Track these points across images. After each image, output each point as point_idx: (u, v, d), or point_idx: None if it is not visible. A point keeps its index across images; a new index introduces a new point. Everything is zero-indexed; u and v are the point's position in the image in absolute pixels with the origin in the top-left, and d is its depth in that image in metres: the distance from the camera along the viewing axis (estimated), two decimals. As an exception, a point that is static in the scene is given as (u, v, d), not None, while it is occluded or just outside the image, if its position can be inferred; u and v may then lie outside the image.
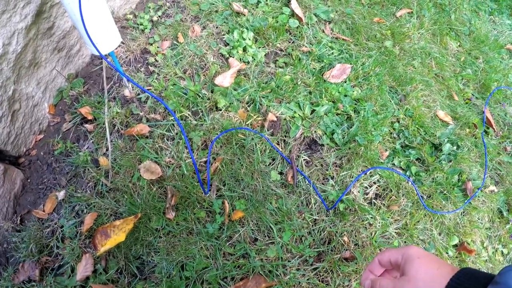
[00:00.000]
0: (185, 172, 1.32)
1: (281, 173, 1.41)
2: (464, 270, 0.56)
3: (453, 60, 2.22)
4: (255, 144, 1.40)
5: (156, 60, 1.62)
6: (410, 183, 1.55)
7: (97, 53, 1.12)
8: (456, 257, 1.51)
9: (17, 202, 1.52)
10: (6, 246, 1.44)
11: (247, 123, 1.45)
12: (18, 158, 1.58)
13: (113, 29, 1.17)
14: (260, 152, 1.40)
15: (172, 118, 1.42)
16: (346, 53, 1.80)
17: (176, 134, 1.42)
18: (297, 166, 1.42)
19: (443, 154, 1.71)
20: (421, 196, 1.54)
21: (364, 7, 2.10)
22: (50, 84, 1.63)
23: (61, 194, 1.43)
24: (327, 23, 1.90)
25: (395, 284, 0.63)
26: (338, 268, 1.32)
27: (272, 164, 1.43)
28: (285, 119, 1.50)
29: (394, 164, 1.61)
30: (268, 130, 1.46)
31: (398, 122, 1.72)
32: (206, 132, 1.40)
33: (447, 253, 1.50)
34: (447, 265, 0.60)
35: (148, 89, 1.52)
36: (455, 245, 1.53)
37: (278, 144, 1.45)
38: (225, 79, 1.51)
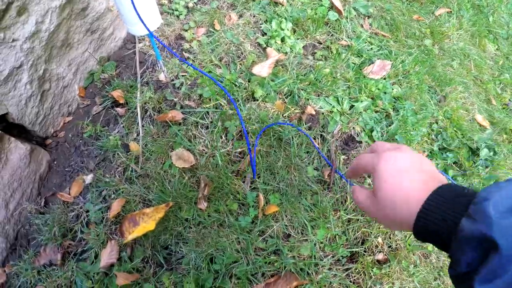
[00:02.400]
0: (219, 162, 1.27)
1: (316, 169, 1.36)
2: (438, 192, 0.47)
3: (491, 64, 2.14)
4: (292, 137, 1.35)
5: (191, 47, 1.58)
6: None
7: (139, 33, 1.08)
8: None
9: (42, 183, 1.49)
10: (28, 228, 1.42)
11: (284, 115, 1.40)
12: (45, 139, 1.55)
13: (155, 9, 1.12)
14: (297, 145, 1.35)
15: (207, 105, 1.37)
16: (386, 49, 1.74)
17: (211, 122, 1.38)
18: (333, 163, 1.37)
19: (480, 159, 1.64)
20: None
21: (403, 4, 2.04)
22: (81, 66, 1.59)
23: (88, 178, 1.39)
24: (366, 17, 1.84)
25: (364, 198, 0.56)
26: (371, 270, 1.26)
27: (308, 159, 1.37)
28: (323, 113, 1.44)
29: (431, 167, 1.54)
30: (305, 124, 1.40)
31: (437, 123, 1.65)
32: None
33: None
34: (423, 182, 0.50)
35: (182, 75, 1.47)
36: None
37: (315, 139, 1.39)
38: (263, 69, 1.46)
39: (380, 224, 0.54)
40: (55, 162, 1.51)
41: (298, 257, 1.22)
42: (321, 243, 1.26)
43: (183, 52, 1.57)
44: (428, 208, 0.46)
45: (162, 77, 1.46)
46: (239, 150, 1.32)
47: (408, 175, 0.51)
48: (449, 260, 0.45)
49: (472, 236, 0.41)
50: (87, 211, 1.35)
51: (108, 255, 1.27)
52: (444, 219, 0.45)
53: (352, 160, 1.41)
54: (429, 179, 0.50)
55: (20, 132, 1.48)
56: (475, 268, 0.41)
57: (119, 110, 1.46)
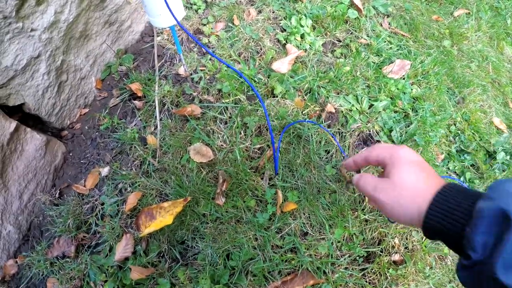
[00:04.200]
0: (238, 157, 1.26)
1: (334, 167, 1.34)
2: (451, 185, 0.51)
3: (508, 67, 2.12)
4: (311, 135, 1.33)
5: (209, 41, 1.57)
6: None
7: (162, 25, 1.07)
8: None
9: (57, 175, 1.49)
10: (41, 219, 1.41)
11: (303, 113, 1.39)
12: (61, 130, 1.55)
13: (179, 0, 1.11)
14: (316, 143, 1.33)
15: (226, 101, 1.36)
16: (405, 49, 1.72)
17: (230, 117, 1.36)
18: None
19: (497, 163, 1.62)
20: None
21: (422, 4, 2.01)
22: (99, 58, 1.59)
23: (105, 171, 1.39)
24: (385, 16, 1.82)
25: (377, 184, 0.58)
26: (387, 270, 1.25)
27: (327, 157, 1.35)
28: (342, 111, 1.42)
29: (449, 169, 1.53)
30: (324, 122, 1.39)
31: (455, 125, 1.63)
32: (262, 118, 1.34)
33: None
34: (435, 177, 0.55)
35: (201, 70, 1.46)
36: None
37: (332, 137, 1.38)
38: (282, 65, 1.44)
39: (385, 212, 0.54)
40: (70, 154, 1.50)
41: (315, 255, 1.21)
42: (339, 242, 1.24)
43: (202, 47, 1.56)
44: (445, 194, 0.50)
45: (181, 70, 1.45)
46: (258, 146, 1.31)
47: (424, 165, 0.57)
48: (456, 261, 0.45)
49: (490, 213, 0.42)
50: (102, 204, 1.34)
51: (123, 249, 1.26)
52: (458, 205, 0.47)
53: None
54: (436, 174, 0.56)
55: (36, 123, 1.48)
56: (490, 253, 0.40)
57: (137, 103, 1.45)
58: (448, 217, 0.47)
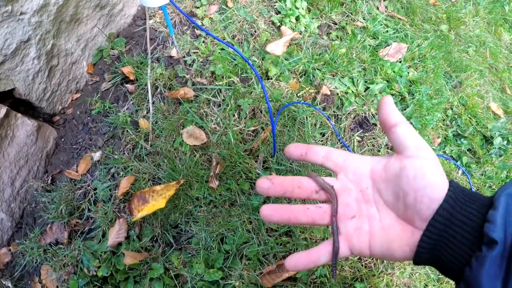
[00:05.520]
0: (232, 140, 1.24)
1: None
2: (455, 183, 0.46)
3: (506, 53, 2.10)
4: (306, 117, 1.31)
5: (202, 24, 1.54)
6: (462, 172, 1.46)
7: (153, 4, 1.04)
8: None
9: (49, 161, 1.47)
10: (34, 206, 1.40)
11: (298, 95, 1.36)
12: (53, 116, 1.53)
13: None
14: (311, 126, 1.31)
15: (219, 83, 1.34)
16: (402, 32, 1.70)
17: (223, 100, 1.34)
18: (349, 146, 1.33)
19: (493, 148, 1.61)
20: (472, 186, 1.45)
21: (419, -12, 1.99)
22: (90, 42, 1.56)
23: (97, 155, 1.36)
24: (382, 0, 1.80)
25: (390, 162, 0.49)
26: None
27: (322, 140, 1.34)
28: (337, 94, 1.40)
29: (445, 153, 1.51)
30: (320, 104, 1.36)
31: (452, 109, 1.62)
32: (255, 101, 1.31)
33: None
34: None
35: (194, 52, 1.44)
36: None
37: (328, 119, 1.36)
38: (277, 47, 1.42)
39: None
40: (62, 140, 1.48)
41: (310, 239, 1.19)
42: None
43: (195, 30, 1.53)
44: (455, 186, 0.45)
45: (174, 52, 1.42)
46: (252, 128, 1.29)
47: None
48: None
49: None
50: (95, 189, 1.32)
51: (116, 234, 1.24)
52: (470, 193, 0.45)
53: (367, 142, 1.38)
54: None
55: (27, 109, 1.45)
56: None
57: (129, 86, 1.43)
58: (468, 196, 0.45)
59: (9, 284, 1.27)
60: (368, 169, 0.52)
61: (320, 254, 0.50)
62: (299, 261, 0.50)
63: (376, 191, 0.50)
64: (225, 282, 1.14)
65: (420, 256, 0.44)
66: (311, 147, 0.55)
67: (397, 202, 0.47)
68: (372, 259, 1.22)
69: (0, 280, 1.27)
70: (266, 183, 0.52)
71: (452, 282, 1.30)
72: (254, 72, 1.35)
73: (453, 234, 0.42)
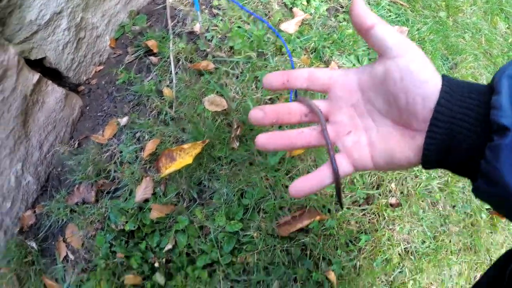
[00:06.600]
0: (251, 105, 1.36)
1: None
2: (447, 77, 0.43)
3: (501, 40, 2.23)
4: (317, 88, 1.44)
5: (219, 4, 1.65)
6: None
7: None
8: (488, 220, 1.55)
9: (74, 128, 1.56)
10: (60, 170, 1.47)
11: (310, 68, 1.49)
12: (78, 85, 1.62)
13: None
14: (320, 97, 1.44)
15: (238, 57, 1.46)
16: (403, 16, 1.83)
17: (241, 72, 1.46)
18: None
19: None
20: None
21: (419, -24, 2.12)
22: (113, 18, 1.66)
23: (123, 120, 1.47)
24: (385, -13, 1.93)
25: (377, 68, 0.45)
26: (385, 211, 1.37)
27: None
28: (345, 69, 1.53)
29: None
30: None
31: (448, 88, 1.74)
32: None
33: (481, 216, 1.53)
34: None
35: (213, 29, 1.55)
36: (488, 209, 1.57)
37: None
38: (290, 26, 1.55)
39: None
40: (87, 108, 1.58)
41: (321, 195, 1.32)
42: (342, 184, 1.35)
43: (212, 9, 1.65)
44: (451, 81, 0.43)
45: (197, 27, 1.54)
46: (269, 97, 1.41)
47: None
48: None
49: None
50: (121, 152, 1.42)
51: (143, 191, 1.34)
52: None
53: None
54: None
55: (54, 78, 1.54)
56: None
57: (152, 58, 1.54)
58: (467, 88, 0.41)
59: (34, 245, 1.34)
60: (355, 81, 0.49)
61: (324, 175, 0.49)
62: (303, 185, 0.49)
63: (368, 102, 0.48)
64: (244, 233, 1.26)
65: (428, 159, 0.42)
66: (290, 72, 0.52)
67: (390, 108, 0.45)
68: (375, 214, 1.36)
69: (25, 241, 1.35)
70: (260, 113, 0.50)
71: (447, 240, 1.44)
72: (267, 49, 1.47)
73: (458, 130, 0.39)
